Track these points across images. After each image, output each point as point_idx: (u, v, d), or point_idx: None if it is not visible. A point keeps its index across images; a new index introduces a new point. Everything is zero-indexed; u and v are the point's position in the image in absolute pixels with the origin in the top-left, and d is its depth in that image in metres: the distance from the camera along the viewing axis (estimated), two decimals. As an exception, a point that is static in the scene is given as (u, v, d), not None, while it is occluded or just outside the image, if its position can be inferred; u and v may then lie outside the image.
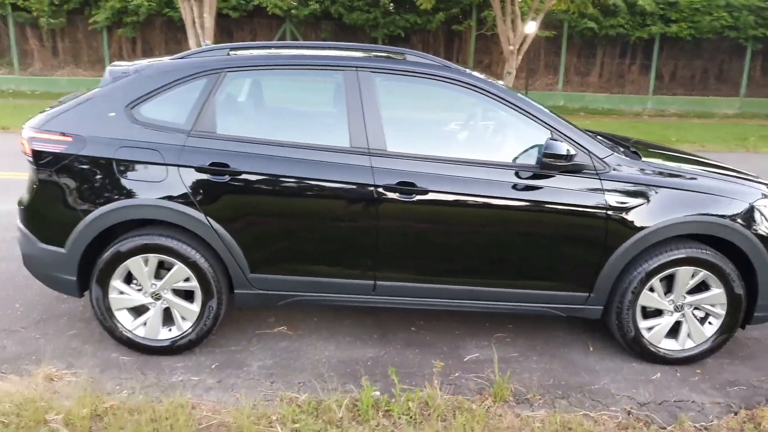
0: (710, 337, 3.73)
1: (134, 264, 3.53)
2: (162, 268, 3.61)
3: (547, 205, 3.53)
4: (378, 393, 3.35)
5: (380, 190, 3.48)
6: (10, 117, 12.58)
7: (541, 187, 3.53)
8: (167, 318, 3.68)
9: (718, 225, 3.56)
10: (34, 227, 3.63)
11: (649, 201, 3.53)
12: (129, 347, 3.68)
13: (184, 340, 3.65)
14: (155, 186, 3.47)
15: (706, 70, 19.35)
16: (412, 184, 3.49)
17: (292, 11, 18.21)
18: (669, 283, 3.68)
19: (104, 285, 3.54)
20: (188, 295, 3.65)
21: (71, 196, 3.49)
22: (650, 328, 3.72)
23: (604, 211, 3.51)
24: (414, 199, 3.49)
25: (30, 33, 18.96)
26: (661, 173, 3.67)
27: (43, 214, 3.61)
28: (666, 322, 3.72)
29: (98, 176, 3.47)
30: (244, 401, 3.23)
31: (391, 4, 19.05)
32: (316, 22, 19.01)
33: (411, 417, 3.15)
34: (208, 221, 3.48)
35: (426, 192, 3.49)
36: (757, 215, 3.61)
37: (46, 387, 3.31)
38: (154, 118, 3.54)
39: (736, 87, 19.07)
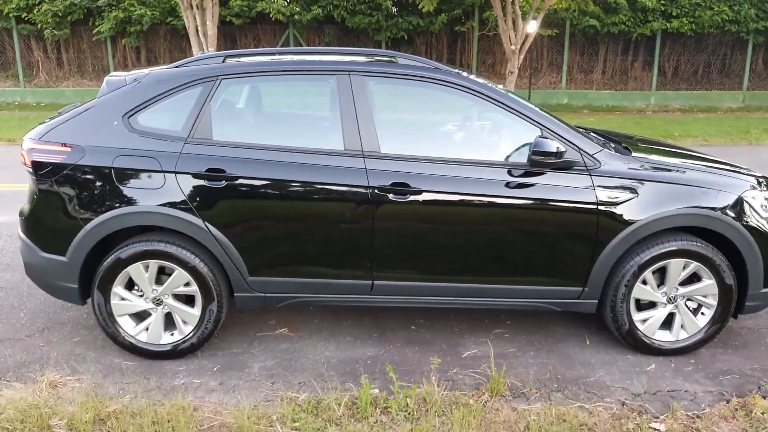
0: (703, 327, 3.77)
1: (135, 270, 3.61)
2: (163, 274, 3.69)
3: (538, 202, 3.58)
4: (377, 391, 3.41)
5: (375, 191, 3.54)
6: (16, 129, 12.72)
7: (533, 185, 3.58)
8: (169, 323, 3.75)
9: (708, 217, 3.60)
10: (35, 236, 3.71)
11: (639, 195, 3.57)
12: (132, 352, 3.75)
13: (186, 344, 3.72)
14: (154, 193, 3.54)
15: (708, 64, 19.31)
16: (406, 185, 3.54)
17: (295, 16, 18.32)
18: (662, 276, 3.72)
19: (106, 292, 3.62)
20: (189, 300, 3.72)
21: (71, 205, 3.57)
22: (644, 320, 3.77)
23: (595, 206, 3.55)
24: (408, 199, 3.55)
25: (35, 45, 19.14)
26: (650, 168, 3.72)
27: (44, 223, 3.69)
28: (659, 314, 3.76)
29: (97, 185, 3.54)
30: (245, 402, 3.29)
31: (394, 7, 19.13)
32: (319, 27, 19.12)
33: (409, 413, 3.20)
34: (206, 226, 3.55)
35: (420, 192, 3.55)
36: (746, 207, 3.65)
37: (50, 393, 3.37)
38: (152, 126, 3.62)
39: (739, 80, 19.03)
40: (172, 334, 3.75)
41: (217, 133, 3.64)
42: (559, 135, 3.63)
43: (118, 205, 3.53)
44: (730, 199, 3.64)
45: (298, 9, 18.34)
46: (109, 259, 3.59)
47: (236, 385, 3.52)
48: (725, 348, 3.95)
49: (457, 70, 3.89)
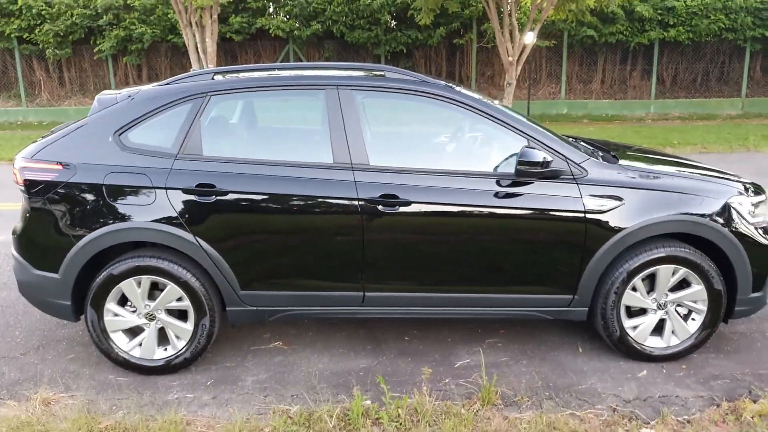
0: (694, 333, 3.78)
1: (127, 286, 3.63)
2: (156, 289, 3.71)
3: (526, 212, 3.61)
4: (369, 402, 3.42)
5: (364, 203, 3.57)
6: (18, 149, 12.69)
7: (521, 194, 3.61)
8: (162, 338, 3.77)
9: (695, 223, 3.62)
10: (28, 254, 3.74)
11: (626, 203, 3.59)
12: (125, 368, 3.77)
13: (179, 359, 3.74)
14: (145, 209, 3.57)
15: (707, 72, 19.36)
16: (395, 196, 3.57)
17: (295, 32, 18.46)
18: (651, 282, 3.73)
19: (99, 308, 3.64)
20: (182, 315, 3.74)
21: (63, 222, 3.60)
22: (635, 327, 3.78)
23: (583, 215, 3.57)
24: (397, 210, 3.58)
25: (36, 64, 19.34)
26: (637, 175, 3.73)
27: (36, 241, 3.72)
28: (650, 320, 3.77)
29: (89, 202, 3.58)
30: (238, 415, 3.31)
31: (393, 22, 19.25)
32: (318, 42, 19.25)
33: (400, 424, 3.21)
34: (197, 241, 3.58)
35: (409, 203, 3.58)
36: (733, 213, 3.67)
37: (44, 410, 3.38)
38: (142, 143, 3.66)
39: (738, 88, 19.06)
40: (165, 350, 3.76)
41: (207, 149, 3.68)
42: (545, 144, 3.66)
43: (110, 221, 3.57)
44: (718, 205, 3.66)
45: (297, 25, 18.49)
46: (101, 276, 3.61)
47: (229, 398, 3.54)
48: (717, 353, 3.95)
49: (444, 83, 3.93)
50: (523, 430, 3.15)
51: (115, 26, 18.28)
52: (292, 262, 3.69)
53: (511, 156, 3.67)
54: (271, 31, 18.26)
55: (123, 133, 3.66)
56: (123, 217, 3.57)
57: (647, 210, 3.59)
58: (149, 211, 3.57)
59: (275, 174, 3.61)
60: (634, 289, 3.70)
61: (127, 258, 3.63)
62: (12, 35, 18.45)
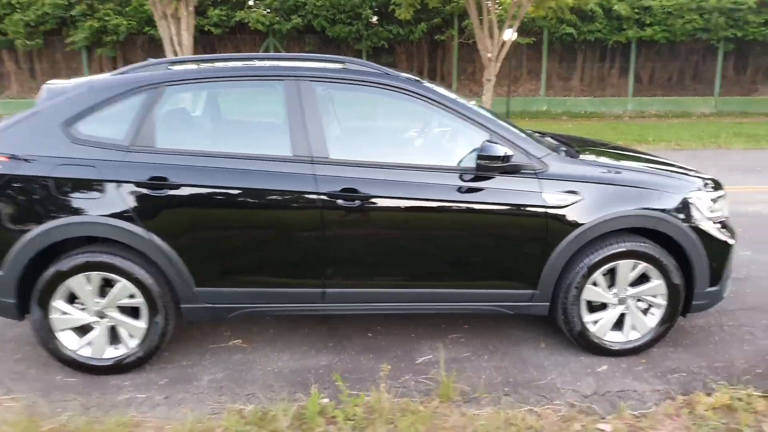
0: (653, 327, 3.77)
1: (76, 283, 3.50)
2: (108, 286, 3.58)
3: (488, 206, 3.56)
4: (326, 400, 3.35)
5: (323, 197, 3.49)
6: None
7: (482, 189, 3.55)
8: (114, 336, 3.65)
9: (654, 218, 3.60)
10: None
11: (586, 198, 3.56)
12: (75, 368, 3.63)
13: (132, 358, 3.63)
14: (95, 203, 3.46)
15: (682, 71, 19.57)
16: (355, 190, 3.50)
17: (275, 26, 18.31)
18: (612, 277, 3.71)
19: (45, 306, 3.50)
20: (134, 312, 3.62)
21: (7, 216, 3.47)
22: (595, 322, 3.75)
23: (543, 209, 3.53)
24: (357, 205, 3.51)
25: (6, 56, 18.96)
26: (598, 170, 3.70)
27: None
28: (611, 315, 3.75)
29: (36, 195, 3.45)
30: (191, 416, 3.19)
31: (374, 17, 19.18)
32: (299, 36, 19.14)
33: (356, 422, 3.15)
34: (150, 236, 3.48)
35: (369, 198, 3.51)
36: (691, 208, 3.66)
37: (-19, 414, 3.24)
38: (92, 134, 3.54)
39: (711, 87, 19.27)
40: (117, 348, 3.64)
41: (160, 141, 3.57)
42: (506, 139, 3.61)
43: (58, 216, 3.44)
44: (677, 201, 3.64)
45: (277, 18, 18.34)
46: (48, 272, 3.48)
47: (183, 398, 3.43)
48: (676, 347, 3.95)
49: (407, 76, 3.86)
50: (480, 426, 3.10)
51: (89, 17, 17.96)
52: (249, 258, 3.61)
53: (473, 151, 3.61)
54: (250, 25, 18.11)
55: (72, 124, 3.54)
56: (72, 212, 3.45)
57: (607, 204, 3.56)
58: (100, 205, 3.46)
59: (231, 167, 3.51)
60: (594, 283, 3.67)
61: (77, 253, 3.51)
62: (-20, 26, 18.12)
